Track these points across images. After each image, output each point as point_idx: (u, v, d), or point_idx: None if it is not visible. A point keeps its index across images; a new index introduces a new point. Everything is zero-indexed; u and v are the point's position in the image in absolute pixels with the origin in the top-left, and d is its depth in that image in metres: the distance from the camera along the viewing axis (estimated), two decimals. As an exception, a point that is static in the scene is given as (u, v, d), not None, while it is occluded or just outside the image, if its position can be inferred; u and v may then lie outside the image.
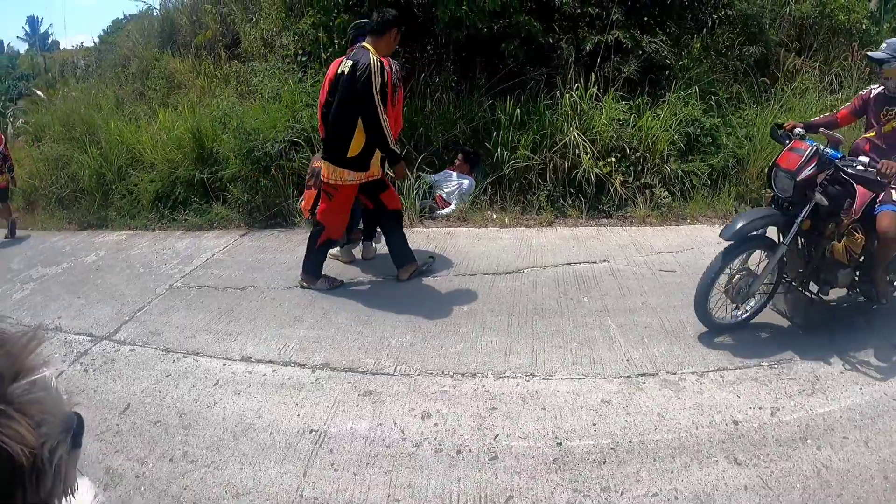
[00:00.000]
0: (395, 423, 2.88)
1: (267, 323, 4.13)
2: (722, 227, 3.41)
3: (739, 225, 3.26)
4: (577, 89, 6.49)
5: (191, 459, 2.81)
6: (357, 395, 3.15)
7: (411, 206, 6.19)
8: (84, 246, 6.70)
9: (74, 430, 0.72)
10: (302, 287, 4.61)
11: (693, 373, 3.12)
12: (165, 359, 3.84)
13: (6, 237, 8.15)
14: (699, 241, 5.12)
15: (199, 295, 4.74)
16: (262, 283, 4.83)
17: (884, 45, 3.46)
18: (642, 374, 3.13)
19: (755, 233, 3.37)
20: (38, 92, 12.26)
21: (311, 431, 2.89)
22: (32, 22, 49.48)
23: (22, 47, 43.79)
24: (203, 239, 6.28)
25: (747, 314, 3.61)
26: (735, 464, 2.45)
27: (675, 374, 3.12)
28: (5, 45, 46.42)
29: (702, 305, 3.37)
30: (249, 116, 6.98)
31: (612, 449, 2.55)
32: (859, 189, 3.34)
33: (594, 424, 2.72)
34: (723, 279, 3.41)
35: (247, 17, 9.43)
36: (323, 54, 7.17)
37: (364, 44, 4.14)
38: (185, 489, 2.63)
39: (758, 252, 3.50)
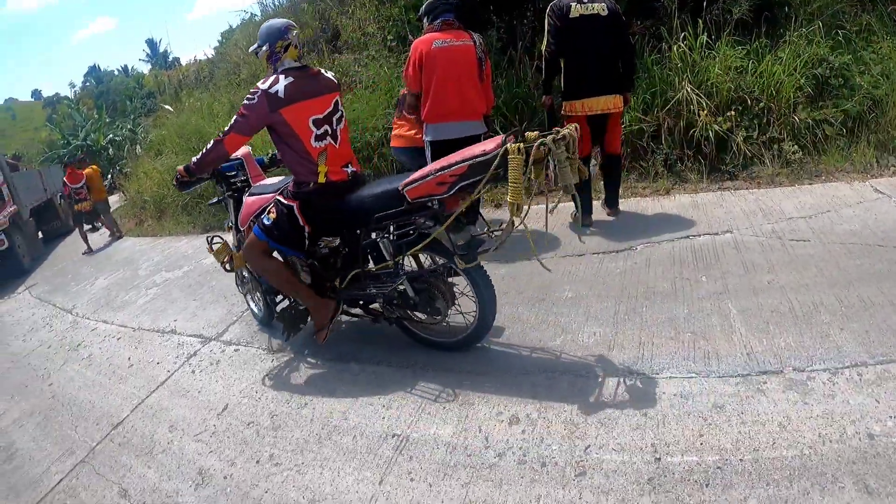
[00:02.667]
0: (480, 430, 2.67)
1: (360, 321, 4.05)
2: None
3: None
4: (684, 39, 5.84)
5: (276, 462, 2.82)
6: (445, 397, 2.98)
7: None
8: (204, 249, 7.06)
9: None
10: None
11: (825, 370, 2.58)
12: (266, 358, 3.93)
13: (84, 252, 9.26)
14: (836, 201, 4.38)
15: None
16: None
17: None
18: (764, 372, 2.63)
19: None
20: (167, 107, 13.28)
21: (393, 436, 2.78)
22: (151, 44, 54.22)
23: (145, 68, 48.06)
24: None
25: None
26: (865, 492, 1.94)
27: (802, 371, 2.59)
28: (129, 68, 51.11)
29: None
30: (347, 108, 7.01)
31: (718, 468, 2.14)
32: None
33: (701, 436, 2.32)
34: None
35: (343, 10, 9.51)
36: (411, 37, 7.03)
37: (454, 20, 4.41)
38: (266, 492, 2.62)
39: None
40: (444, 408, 2.90)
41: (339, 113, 3.28)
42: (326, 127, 3.17)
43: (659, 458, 2.24)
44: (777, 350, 2.77)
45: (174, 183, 3.68)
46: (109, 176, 18.50)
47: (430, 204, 2.90)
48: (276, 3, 11.46)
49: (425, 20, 4.51)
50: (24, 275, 9.88)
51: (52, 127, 31.16)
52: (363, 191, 3.19)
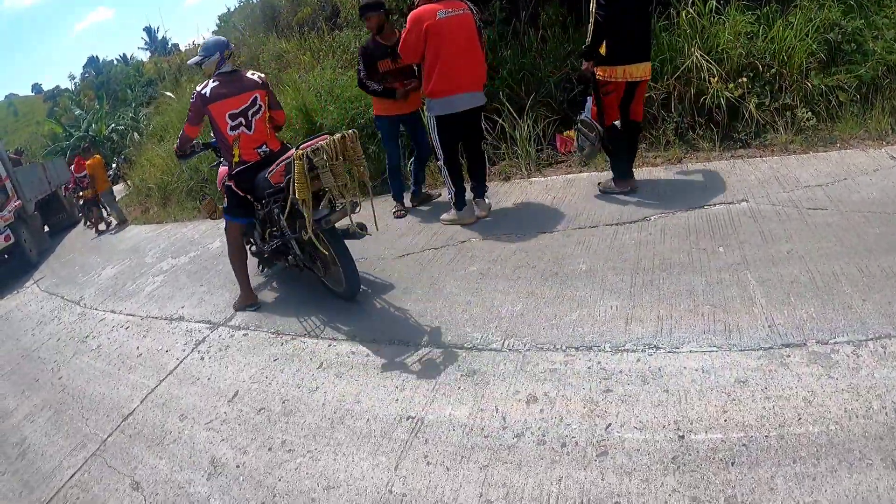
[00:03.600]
0: (497, 410, 2.61)
1: (375, 297, 4.05)
2: None
3: None
4: (693, 4, 5.68)
5: (288, 448, 2.78)
6: (460, 376, 2.92)
7: (525, 154, 5.83)
8: (210, 233, 7.04)
9: None
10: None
11: (849, 342, 2.49)
12: (275, 342, 3.90)
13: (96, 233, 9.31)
14: (852, 169, 4.26)
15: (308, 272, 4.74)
16: (373, 254, 4.77)
17: None
18: (787, 346, 2.55)
19: None
20: (168, 93, 13.17)
21: (408, 418, 2.72)
22: (150, 31, 53.66)
23: (144, 56, 47.70)
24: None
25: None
26: (894, 469, 1.87)
27: (826, 344, 2.51)
28: (129, 56, 50.65)
29: None
30: (350, 86, 6.93)
31: (743, 445, 2.07)
32: None
33: (725, 412, 2.24)
34: None
35: (342, -14, 9.35)
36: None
37: None
38: (279, 480, 2.59)
39: None
40: (460, 388, 2.84)
41: (257, 107, 4.04)
42: (241, 119, 3.99)
43: (682, 436, 2.18)
44: (799, 322, 2.68)
45: (176, 155, 4.69)
46: (114, 165, 18.46)
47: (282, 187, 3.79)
48: (274, -15, 11.27)
49: None
50: (32, 268, 9.89)
51: (54, 121, 31.11)
52: (265, 171, 3.95)
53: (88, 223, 11.55)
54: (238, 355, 3.86)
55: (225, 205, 4.37)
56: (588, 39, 4.38)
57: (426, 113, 4.64)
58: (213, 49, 4.04)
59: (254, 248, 4.77)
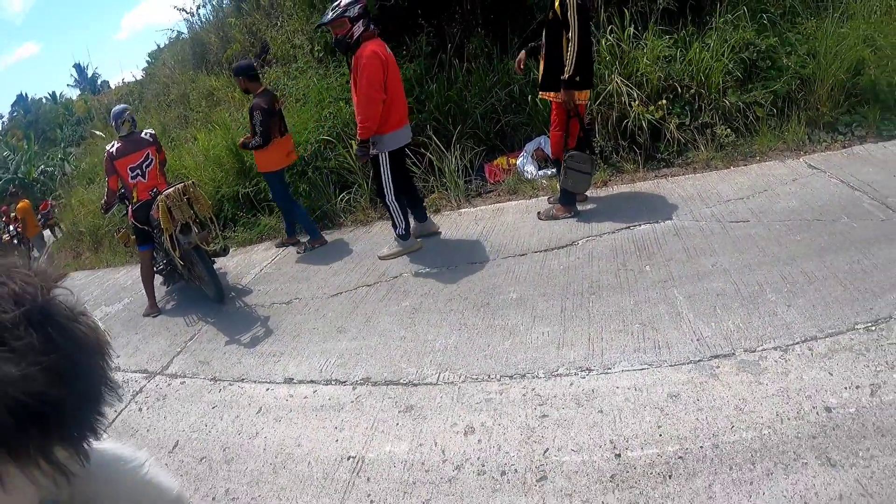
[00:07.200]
0: (436, 443, 2.59)
1: (310, 338, 3.98)
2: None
3: None
4: (612, 32, 5.89)
5: (232, 497, 2.69)
6: (397, 412, 2.89)
7: (454, 186, 5.87)
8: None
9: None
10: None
11: (776, 348, 2.60)
12: (213, 388, 3.77)
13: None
14: (772, 180, 4.48)
15: (245, 315, 4.67)
16: (307, 294, 4.69)
17: None
18: (716, 357, 2.64)
19: None
20: (98, 132, 12.78)
21: (348, 458, 2.67)
22: (79, 68, 51.92)
23: (74, 94, 46.10)
24: (253, 253, 6.24)
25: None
26: (828, 465, 1.95)
27: (754, 352, 2.61)
28: (58, 94, 48.93)
29: None
30: (278, 123, 6.84)
31: (679, 458, 2.12)
32: None
33: (659, 427, 2.29)
34: None
35: (271, 23, 9.33)
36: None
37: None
38: (224, 531, 2.48)
39: None
40: (398, 424, 2.81)
41: (149, 161, 5.10)
42: (138, 170, 5.06)
43: (619, 454, 2.21)
44: (727, 333, 2.78)
45: (101, 210, 5.78)
46: (45, 210, 17.71)
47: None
48: (203, 21, 11.14)
49: (359, 24, 4.32)
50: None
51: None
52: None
53: None
54: (177, 404, 3.71)
55: (135, 237, 5.44)
56: (570, 68, 4.31)
57: (373, 150, 4.57)
58: (113, 118, 5.20)
59: (158, 266, 5.63)
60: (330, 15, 4.33)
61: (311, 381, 3.44)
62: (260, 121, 5.27)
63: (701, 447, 2.13)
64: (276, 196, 5.80)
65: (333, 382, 3.36)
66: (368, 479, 2.50)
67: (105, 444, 0.79)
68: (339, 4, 4.31)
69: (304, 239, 5.90)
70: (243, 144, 5.68)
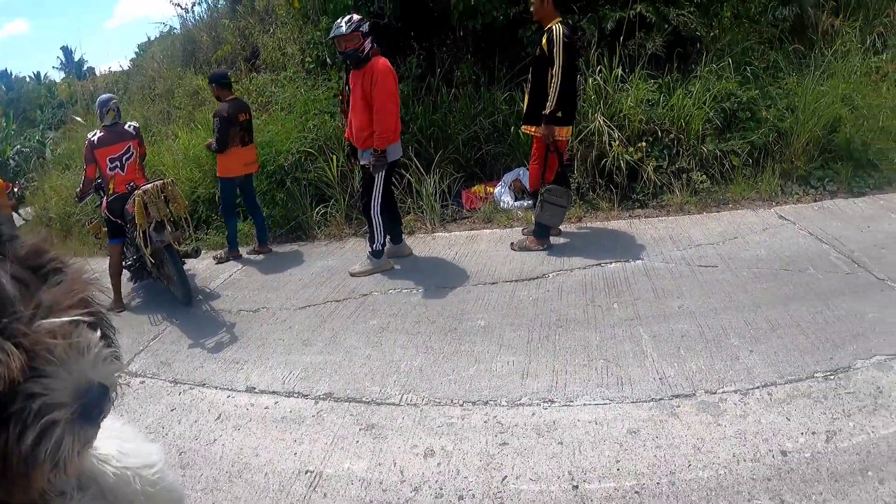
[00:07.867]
0: (395, 464, 2.58)
1: (274, 349, 3.93)
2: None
3: None
4: (599, 72, 6.04)
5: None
6: (358, 430, 2.87)
7: (431, 209, 5.90)
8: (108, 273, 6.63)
9: (89, 401, 0.61)
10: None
11: (736, 391, 2.67)
12: (173, 391, 3.69)
13: None
14: (742, 228, 4.61)
15: (212, 320, 4.60)
16: (276, 304, 4.65)
17: None
18: (676, 396, 2.70)
19: None
20: (78, 118, 12.55)
21: (306, 472, 2.64)
22: (66, 51, 51.07)
23: (58, 76, 45.17)
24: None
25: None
26: None
27: (714, 393, 2.68)
28: (42, 75, 47.96)
29: None
30: (261, 129, 6.82)
31: (636, 492, 2.15)
32: None
33: (617, 462, 2.33)
34: None
35: (264, 29, 9.34)
36: (329, 60, 6.99)
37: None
38: (173, 537, 2.41)
39: None
40: (358, 441, 2.79)
41: (130, 153, 5.06)
42: (117, 162, 5.00)
43: (576, 486, 2.23)
44: (689, 374, 2.84)
45: (75, 199, 5.91)
46: (16, 190, 17.18)
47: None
48: (197, 19, 11.12)
49: (369, 39, 4.45)
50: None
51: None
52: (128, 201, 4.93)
53: None
54: (134, 404, 3.62)
55: (107, 229, 5.38)
56: (552, 104, 4.37)
57: (370, 161, 4.59)
58: (98, 106, 5.18)
59: (127, 261, 5.52)
60: (344, 28, 4.39)
61: (274, 392, 3.40)
62: (218, 128, 5.50)
63: (658, 483, 2.17)
64: (222, 202, 5.99)
65: (296, 395, 3.32)
66: (325, 495, 2.47)
67: (127, 445, 0.81)
68: (351, 19, 4.42)
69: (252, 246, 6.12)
70: (208, 146, 5.91)
